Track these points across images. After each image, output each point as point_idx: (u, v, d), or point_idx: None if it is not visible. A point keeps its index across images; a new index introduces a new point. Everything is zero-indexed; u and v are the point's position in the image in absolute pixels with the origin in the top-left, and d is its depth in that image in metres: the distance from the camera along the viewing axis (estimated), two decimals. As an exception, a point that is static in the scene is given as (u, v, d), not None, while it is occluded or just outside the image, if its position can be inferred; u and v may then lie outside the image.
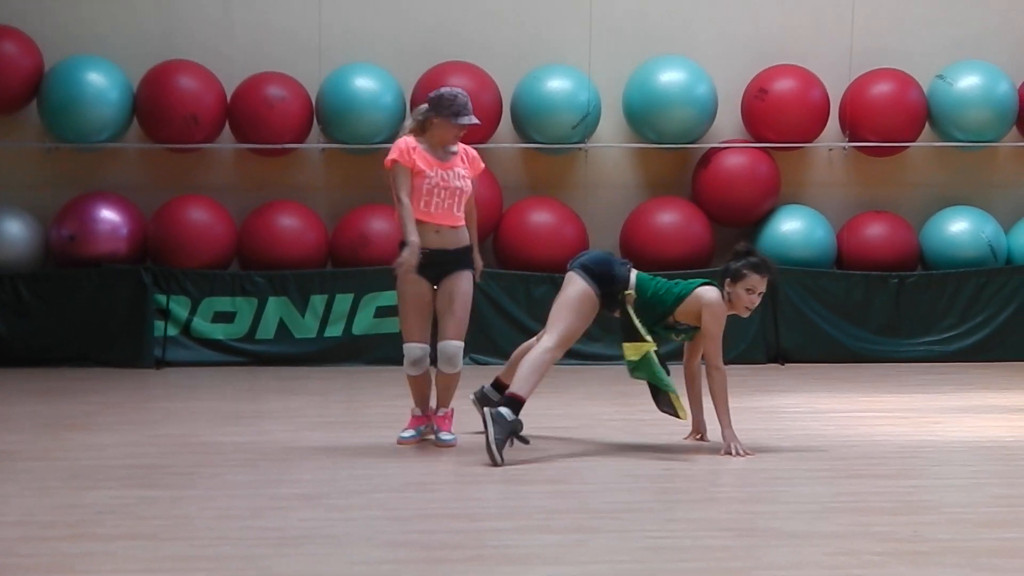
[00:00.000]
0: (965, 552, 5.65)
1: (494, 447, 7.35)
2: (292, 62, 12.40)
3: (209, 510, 6.35)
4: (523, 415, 7.54)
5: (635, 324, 7.72)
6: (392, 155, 7.84)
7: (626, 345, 7.76)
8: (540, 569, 5.41)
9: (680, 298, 7.78)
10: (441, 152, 7.92)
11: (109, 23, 12.47)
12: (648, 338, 7.71)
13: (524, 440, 7.52)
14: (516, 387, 7.61)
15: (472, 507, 6.55)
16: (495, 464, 7.34)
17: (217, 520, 6.16)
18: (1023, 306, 12.40)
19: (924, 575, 5.33)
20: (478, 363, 11.47)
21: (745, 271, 7.75)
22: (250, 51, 12.47)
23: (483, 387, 8.41)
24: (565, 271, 7.94)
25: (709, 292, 7.81)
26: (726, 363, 7.86)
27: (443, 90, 7.94)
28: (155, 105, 12.03)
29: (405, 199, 7.78)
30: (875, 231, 12.52)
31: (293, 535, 5.88)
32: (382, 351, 11.87)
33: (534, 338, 8.16)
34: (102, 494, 6.69)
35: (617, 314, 7.82)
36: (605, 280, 7.78)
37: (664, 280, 7.91)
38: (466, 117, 7.87)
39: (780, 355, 12.27)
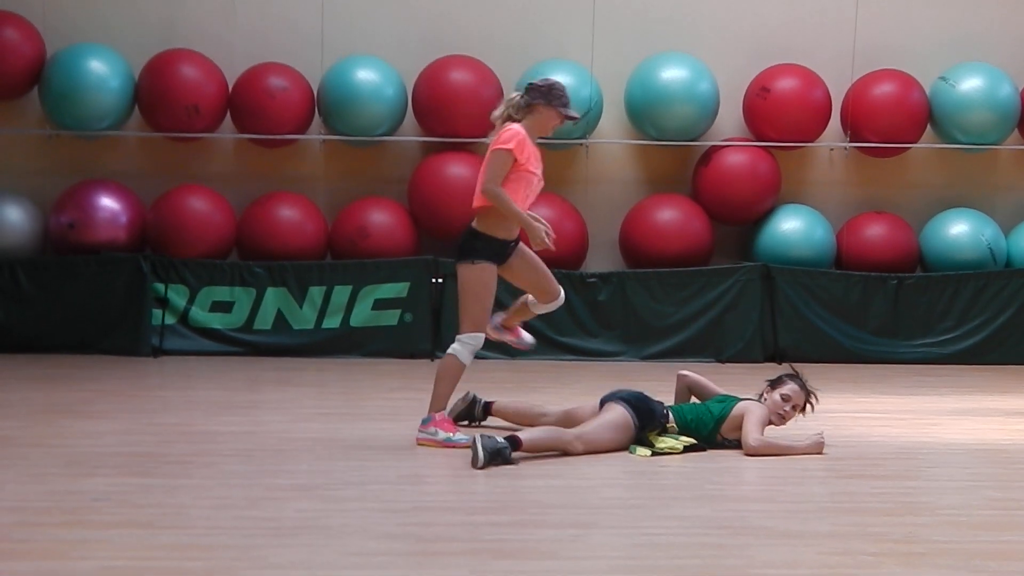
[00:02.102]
0: (960, 554, 5.66)
1: (480, 448, 7.19)
2: (294, 53, 12.39)
3: (205, 499, 6.36)
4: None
5: (668, 444, 7.76)
6: (510, 144, 7.66)
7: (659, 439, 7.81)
8: (535, 564, 5.41)
9: (721, 419, 7.88)
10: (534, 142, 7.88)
11: (111, 11, 12.46)
12: (678, 443, 7.76)
13: (511, 461, 7.38)
14: (525, 436, 7.45)
15: (468, 501, 6.55)
16: (476, 464, 7.21)
17: (213, 509, 6.16)
18: (1022, 309, 12.39)
19: (919, 576, 5.35)
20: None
21: (785, 378, 8.02)
22: (252, 41, 12.46)
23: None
24: (600, 403, 7.90)
25: (750, 402, 7.95)
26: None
27: (552, 80, 7.90)
28: (156, 94, 12.01)
29: (503, 191, 7.66)
30: (875, 232, 12.52)
31: (289, 525, 5.88)
32: (379, 343, 11.86)
33: (555, 410, 8.13)
34: (98, 481, 6.70)
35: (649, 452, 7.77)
36: (644, 414, 7.79)
37: (695, 404, 8.03)
38: (573, 109, 7.88)
39: (777, 354, 12.24)
